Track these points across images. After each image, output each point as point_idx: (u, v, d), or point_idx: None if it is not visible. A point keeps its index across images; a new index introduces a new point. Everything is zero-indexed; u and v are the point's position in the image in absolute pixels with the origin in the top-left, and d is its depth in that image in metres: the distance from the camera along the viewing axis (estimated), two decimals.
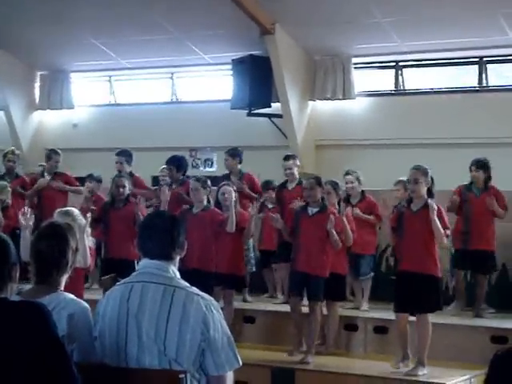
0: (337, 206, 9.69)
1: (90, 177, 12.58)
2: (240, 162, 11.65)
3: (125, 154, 11.99)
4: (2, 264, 3.90)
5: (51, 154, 12.52)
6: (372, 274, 10.96)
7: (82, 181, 12.68)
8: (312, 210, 9.32)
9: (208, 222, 9.68)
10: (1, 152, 12.85)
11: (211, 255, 9.74)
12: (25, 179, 12.69)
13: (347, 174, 10.90)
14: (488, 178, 10.54)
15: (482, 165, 10.51)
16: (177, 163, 11.42)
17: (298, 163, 11.25)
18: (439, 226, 8.40)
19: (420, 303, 8.53)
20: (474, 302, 10.54)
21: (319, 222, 9.20)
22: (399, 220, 8.71)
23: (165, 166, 11.71)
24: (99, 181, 12.63)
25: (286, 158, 11.27)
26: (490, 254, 10.43)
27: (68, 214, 7.58)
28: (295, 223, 9.44)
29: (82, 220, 7.56)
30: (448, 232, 8.65)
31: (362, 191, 10.96)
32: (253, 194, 11.27)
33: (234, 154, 11.69)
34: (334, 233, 9.06)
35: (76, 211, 7.80)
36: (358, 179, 10.90)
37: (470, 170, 10.55)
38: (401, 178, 10.33)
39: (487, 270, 10.64)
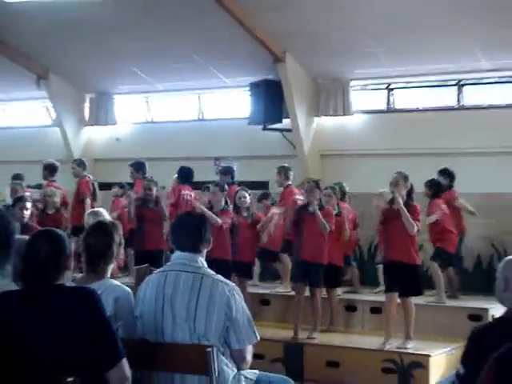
0: (335, 208, 9.72)
1: (117, 184, 12.59)
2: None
3: (133, 165, 11.98)
4: (60, 255, 3.93)
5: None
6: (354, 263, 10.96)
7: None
8: (312, 209, 9.26)
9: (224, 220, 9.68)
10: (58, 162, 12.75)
11: (228, 246, 9.72)
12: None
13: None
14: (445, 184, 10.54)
15: (439, 172, 10.59)
16: (179, 173, 11.49)
17: (287, 174, 11.22)
18: (408, 216, 8.36)
19: (403, 288, 8.53)
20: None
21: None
22: (384, 216, 8.69)
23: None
24: (122, 187, 12.61)
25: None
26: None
27: (97, 213, 7.63)
28: (298, 220, 9.39)
29: (107, 217, 7.54)
30: (418, 224, 8.60)
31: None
32: None
33: (227, 171, 11.72)
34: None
35: (103, 210, 7.84)
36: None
37: None
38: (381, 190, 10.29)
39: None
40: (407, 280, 8.48)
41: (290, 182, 11.19)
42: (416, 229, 8.48)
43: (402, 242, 8.46)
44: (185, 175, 11.55)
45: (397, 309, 8.68)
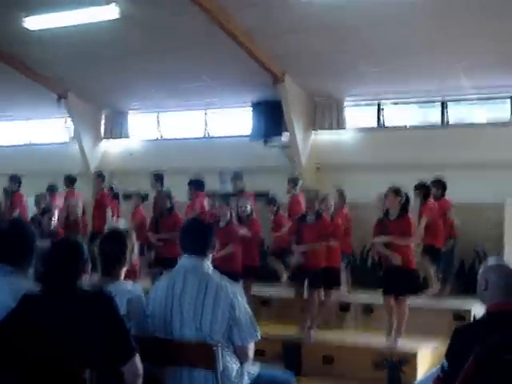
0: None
1: (135, 194, 12.66)
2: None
3: (153, 176, 12.07)
4: (78, 260, 3.95)
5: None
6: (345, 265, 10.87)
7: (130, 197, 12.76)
8: (310, 219, 9.30)
9: (230, 233, 9.61)
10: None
11: (236, 258, 9.56)
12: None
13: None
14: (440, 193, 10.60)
15: (432, 183, 10.53)
16: (196, 184, 11.47)
17: (295, 184, 11.47)
18: (400, 241, 8.39)
19: (400, 290, 8.52)
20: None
21: (316, 227, 9.17)
22: (381, 227, 8.68)
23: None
24: (140, 196, 12.65)
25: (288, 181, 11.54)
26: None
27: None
28: (298, 229, 9.39)
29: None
30: (412, 238, 8.63)
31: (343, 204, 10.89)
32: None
33: (239, 175, 11.90)
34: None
35: (120, 220, 7.90)
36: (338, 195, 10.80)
37: None
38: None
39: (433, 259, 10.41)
40: (404, 282, 8.45)
41: (296, 192, 11.26)
42: (411, 243, 8.49)
43: (398, 250, 8.44)
44: (201, 185, 11.58)
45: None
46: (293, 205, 11.20)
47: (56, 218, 9.80)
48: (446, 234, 10.51)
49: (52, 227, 9.49)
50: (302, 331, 9.21)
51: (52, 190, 12.85)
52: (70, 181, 12.94)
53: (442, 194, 10.69)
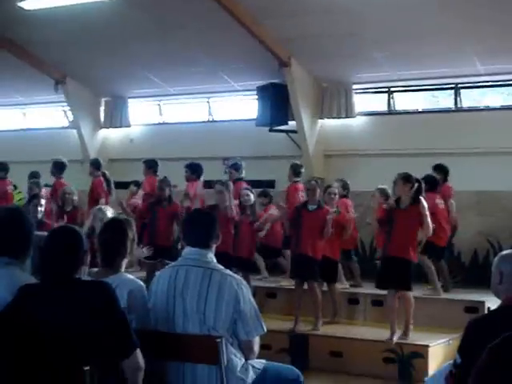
0: (334, 207, 9.45)
1: (134, 182, 12.63)
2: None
3: (145, 162, 12.04)
4: (77, 251, 3.94)
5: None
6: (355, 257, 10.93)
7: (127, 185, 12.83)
8: (312, 207, 9.24)
9: (228, 216, 9.56)
10: (73, 162, 12.78)
11: (231, 241, 9.54)
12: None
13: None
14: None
15: (434, 168, 10.44)
16: (191, 167, 11.45)
17: (295, 170, 11.24)
18: (429, 220, 8.35)
19: (397, 282, 8.45)
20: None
21: (317, 216, 9.12)
22: (388, 215, 8.61)
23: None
24: (138, 185, 12.59)
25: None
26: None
27: (101, 210, 7.82)
28: (296, 217, 9.31)
29: (110, 213, 7.73)
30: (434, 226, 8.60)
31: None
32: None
33: (236, 166, 11.69)
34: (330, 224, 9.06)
35: (107, 207, 8.01)
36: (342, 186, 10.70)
37: None
38: (379, 186, 10.23)
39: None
40: (400, 274, 8.37)
41: (298, 179, 11.13)
42: (431, 231, 8.44)
43: (403, 240, 8.35)
44: (197, 170, 11.55)
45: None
46: (290, 192, 11.03)
47: (43, 204, 9.62)
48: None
49: (39, 215, 9.38)
50: (298, 326, 9.19)
51: (34, 178, 12.27)
52: (59, 168, 12.18)
53: (445, 180, 10.57)
